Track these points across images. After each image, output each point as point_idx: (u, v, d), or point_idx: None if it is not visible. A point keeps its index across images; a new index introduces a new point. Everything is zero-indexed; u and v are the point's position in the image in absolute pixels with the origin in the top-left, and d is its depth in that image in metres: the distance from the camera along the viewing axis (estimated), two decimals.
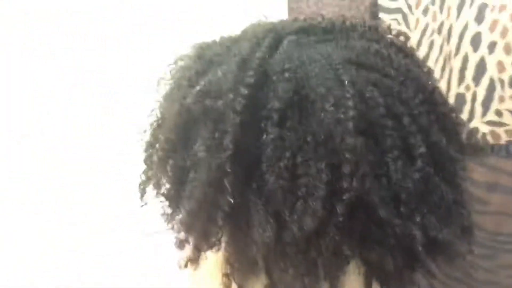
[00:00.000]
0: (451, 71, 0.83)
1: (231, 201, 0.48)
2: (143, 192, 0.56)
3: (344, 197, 0.46)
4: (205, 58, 0.54)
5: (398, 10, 0.89)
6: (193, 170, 0.50)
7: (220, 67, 0.52)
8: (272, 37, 0.54)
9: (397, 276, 0.53)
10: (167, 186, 0.53)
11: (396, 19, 0.90)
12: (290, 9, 0.97)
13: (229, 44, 0.55)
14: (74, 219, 1.18)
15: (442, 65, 0.85)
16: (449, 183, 0.52)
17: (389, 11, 0.90)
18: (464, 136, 0.81)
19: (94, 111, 1.14)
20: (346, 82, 0.48)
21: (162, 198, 0.54)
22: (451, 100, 0.83)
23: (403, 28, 0.89)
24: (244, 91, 0.48)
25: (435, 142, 0.52)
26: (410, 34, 0.88)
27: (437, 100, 0.55)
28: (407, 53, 0.59)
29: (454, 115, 0.60)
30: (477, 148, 0.81)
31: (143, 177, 0.56)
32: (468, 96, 0.81)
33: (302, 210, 0.46)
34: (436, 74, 0.86)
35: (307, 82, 0.49)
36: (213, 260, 0.56)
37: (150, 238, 1.11)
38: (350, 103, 0.47)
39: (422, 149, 0.50)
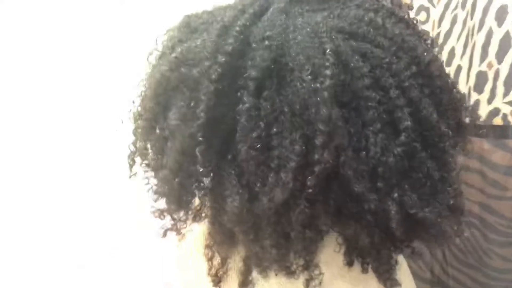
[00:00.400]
0: (473, 47, 0.79)
1: (202, 171, 0.48)
2: (131, 164, 0.57)
3: (316, 169, 0.45)
4: (191, 27, 0.54)
5: None
6: (170, 138, 0.50)
7: (202, 35, 0.51)
8: (258, 4, 0.53)
9: (375, 253, 0.51)
10: (151, 155, 0.54)
11: None
12: None
13: (217, 12, 0.55)
14: (74, 220, 1.19)
15: (464, 41, 0.81)
16: (436, 159, 0.50)
17: None
18: (483, 116, 0.77)
19: (95, 111, 1.15)
20: (328, 51, 0.47)
21: (147, 168, 0.55)
22: (472, 78, 0.79)
23: (425, 2, 0.85)
24: (221, 58, 0.47)
25: (425, 116, 0.50)
26: (432, 8, 0.84)
27: (432, 73, 0.53)
28: (409, 25, 0.57)
29: (454, 90, 0.57)
30: (497, 130, 0.76)
31: (132, 148, 0.57)
32: (490, 74, 0.77)
33: (273, 181, 0.46)
34: (458, 50, 0.81)
35: (288, 50, 0.48)
36: (199, 232, 0.57)
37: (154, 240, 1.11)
38: (328, 72, 0.45)
39: (407, 123, 0.48)
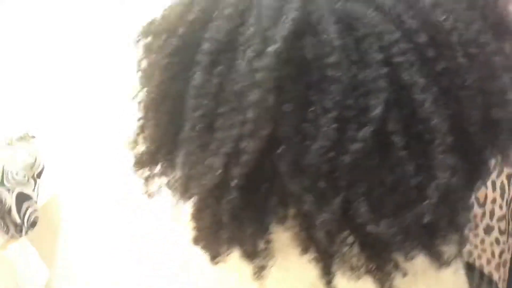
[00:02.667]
0: None
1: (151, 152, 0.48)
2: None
3: (242, 160, 0.40)
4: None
5: None
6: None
7: (175, 7, 0.47)
8: None
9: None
10: None
11: None
12: None
13: None
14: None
15: None
16: (418, 161, 0.39)
17: None
18: None
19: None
20: (286, 17, 0.38)
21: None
22: None
23: None
24: (180, 30, 0.43)
25: (416, 104, 0.39)
26: None
27: (453, 43, 0.40)
28: None
29: (491, 71, 0.41)
30: None
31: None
32: None
33: (207, 165, 0.41)
34: None
35: (247, 19, 0.40)
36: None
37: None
38: (271, 49, 0.38)
39: (377, 112, 0.38)
